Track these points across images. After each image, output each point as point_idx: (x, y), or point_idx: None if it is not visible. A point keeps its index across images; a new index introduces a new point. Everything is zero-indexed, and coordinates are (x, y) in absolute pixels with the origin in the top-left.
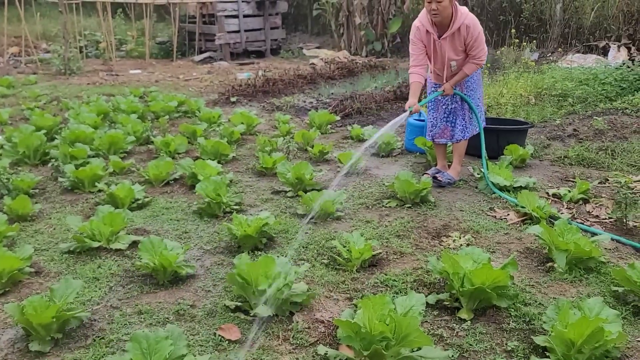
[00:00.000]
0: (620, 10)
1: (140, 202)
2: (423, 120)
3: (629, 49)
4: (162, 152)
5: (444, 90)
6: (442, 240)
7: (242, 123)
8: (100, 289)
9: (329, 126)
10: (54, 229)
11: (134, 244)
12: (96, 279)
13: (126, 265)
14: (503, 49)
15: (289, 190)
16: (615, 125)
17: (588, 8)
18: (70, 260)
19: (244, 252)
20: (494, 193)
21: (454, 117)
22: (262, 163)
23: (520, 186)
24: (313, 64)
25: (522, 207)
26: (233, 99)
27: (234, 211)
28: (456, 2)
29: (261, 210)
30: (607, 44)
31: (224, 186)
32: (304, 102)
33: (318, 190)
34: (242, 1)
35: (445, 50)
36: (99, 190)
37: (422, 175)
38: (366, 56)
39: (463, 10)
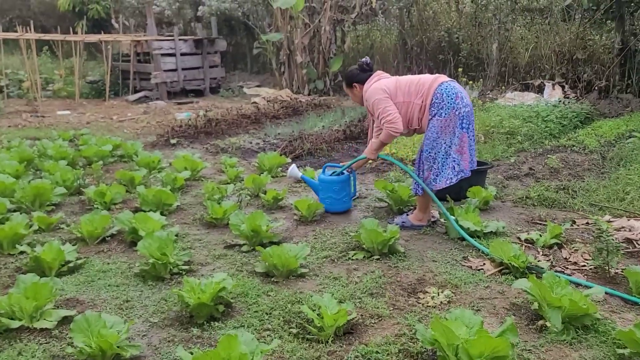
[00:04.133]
0: (553, 50)
1: (71, 265)
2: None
3: (562, 87)
4: (96, 203)
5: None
6: (420, 297)
7: (186, 168)
8: None
9: (280, 169)
10: None
11: (64, 321)
12: None
13: (54, 349)
14: None
15: (244, 244)
16: (568, 163)
17: (522, 48)
18: None
19: (197, 322)
20: (465, 240)
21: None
22: (211, 213)
23: (491, 231)
24: (255, 102)
25: (497, 256)
26: (173, 141)
27: (183, 272)
28: (369, 82)
29: (214, 270)
30: (542, 82)
31: (170, 243)
32: (250, 143)
33: (277, 243)
34: (179, 39)
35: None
36: (21, 253)
37: (388, 222)
38: (309, 94)
39: (367, 87)
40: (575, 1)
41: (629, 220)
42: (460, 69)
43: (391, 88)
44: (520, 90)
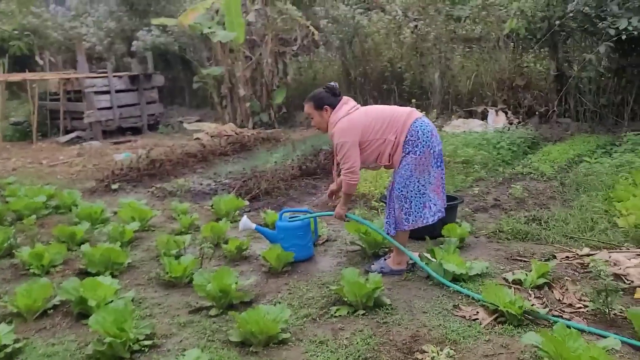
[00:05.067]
0: (494, 78)
1: (8, 350)
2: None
3: (505, 113)
4: (32, 267)
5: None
6: (418, 359)
7: (133, 218)
8: None
9: (237, 212)
10: None
11: None
12: None
13: None
14: None
15: (212, 307)
16: (531, 192)
17: (464, 76)
18: None
19: None
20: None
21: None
22: (169, 272)
23: (477, 274)
24: (199, 138)
25: (492, 303)
26: (114, 186)
27: (146, 349)
28: (337, 113)
29: (181, 342)
30: (485, 108)
31: (128, 316)
32: (201, 184)
33: (248, 303)
34: (114, 76)
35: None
36: None
37: (365, 269)
38: (254, 128)
39: (337, 119)
40: (512, 31)
41: (609, 253)
42: (414, 100)
43: (361, 126)
44: (465, 117)
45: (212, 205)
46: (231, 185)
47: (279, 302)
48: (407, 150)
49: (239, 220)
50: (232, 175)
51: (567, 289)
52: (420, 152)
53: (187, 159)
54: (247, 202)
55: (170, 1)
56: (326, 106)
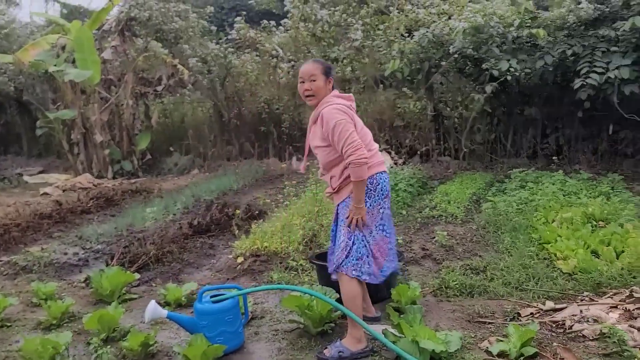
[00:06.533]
0: (374, 118)
1: None
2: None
3: (389, 153)
4: None
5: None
6: None
7: None
8: None
9: (125, 288)
10: None
11: None
12: None
13: None
14: (269, 160)
15: None
16: (455, 237)
17: None
18: None
19: None
20: None
21: (336, 231)
22: None
23: (457, 350)
24: (47, 194)
25: None
26: None
27: None
28: (333, 89)
29: None
30: None
31: None
32: (65, 253)
33: None
34: None
35: (310, 135)
36: None
37: (318, 357)
38: (114, 178)
39: (331, 100)
40: (393, 72)
41: (579, 306)
42: (294, 144)
43: (349, 113)
44: None
45: (86, 282)
46: (105, 252)
47: None
48: None
49: (131, 299)
50: (105, 239)
51: (562, 359)
52: (370, 205)
53: (39, 221)
54: (137, 276)
55: (5, 35)
56: (331, 78)
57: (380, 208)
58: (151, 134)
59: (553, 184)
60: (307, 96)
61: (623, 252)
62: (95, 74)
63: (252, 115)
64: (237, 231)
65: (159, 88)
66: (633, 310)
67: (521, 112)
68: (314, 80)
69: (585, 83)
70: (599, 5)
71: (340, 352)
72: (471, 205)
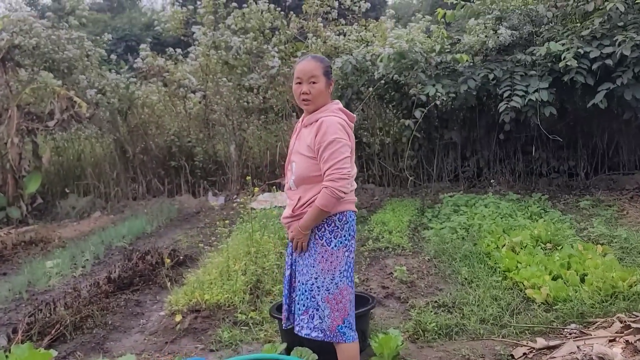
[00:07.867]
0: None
1: None
2: None
3: None
4: None
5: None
6: None
7: None
8: None
9: None
10: None
11: None
12: None
13: None
14: (181, 196)
15: None
16: (411, 271)
17: (263, 148)
18: None
19: None
20: None
21: (291, 284)
22: None
23: None
24: None
25: None
26: None
27: None
28: (332, 105)
29: None
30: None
31: None
32: None
33: None
34: None
35: (294, 139)
36: None
37: None
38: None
39: (331, 110)
40: None
41: (575, 342)
42: (209, 178)
43: (351, 137)
44: (270, 192)
45: None
46: (5, 323)
47: None
48: (323, 230)
49: None
50: (0, 306)
51: None
52: (335, 246)
53: None
54: (55, 353)
55: None
56: (332, 81)
57: (346, 250)
58: (42, 175)
59: (486, 207)
60: (304, 100)
61: (586, 275)
62: None
63: (159, 149)
64: (169, 283)
65: (51, 123)
66: (635, 342)
67: (441, 136)
68: (315, 83)
69: (508, 106)
70: (513, 32)
71: None
72: (412, 233)
